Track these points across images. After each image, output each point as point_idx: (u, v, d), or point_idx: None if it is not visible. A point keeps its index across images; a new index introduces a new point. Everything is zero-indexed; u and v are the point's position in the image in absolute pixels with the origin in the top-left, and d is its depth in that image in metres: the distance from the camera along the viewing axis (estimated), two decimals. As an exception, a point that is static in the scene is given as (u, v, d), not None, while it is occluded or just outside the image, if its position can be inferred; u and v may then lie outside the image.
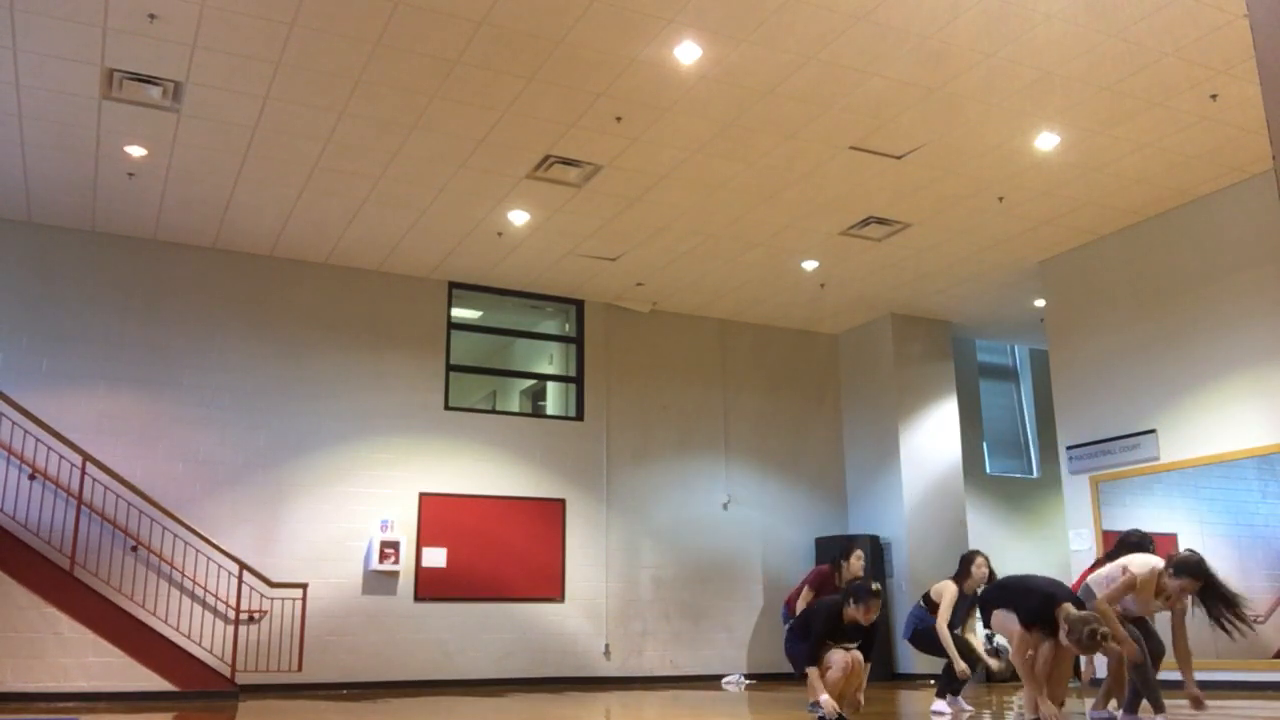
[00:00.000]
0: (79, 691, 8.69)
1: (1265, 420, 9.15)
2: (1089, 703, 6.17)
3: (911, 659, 12.11)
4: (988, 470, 14.50)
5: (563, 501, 12.00)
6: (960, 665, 7.39)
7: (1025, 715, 5.34)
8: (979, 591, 7.20)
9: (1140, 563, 5.89)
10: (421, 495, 11.27)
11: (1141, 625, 6.07)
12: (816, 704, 6.53)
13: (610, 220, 10.29)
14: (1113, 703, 6.27)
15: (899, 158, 9.03)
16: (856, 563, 8.91)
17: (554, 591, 11.67)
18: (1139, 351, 10.33)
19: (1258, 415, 9.22)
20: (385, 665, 10.66)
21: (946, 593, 7.56)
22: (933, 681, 7.84)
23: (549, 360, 13.13)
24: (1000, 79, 7.78)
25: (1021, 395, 15.24)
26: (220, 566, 10.11)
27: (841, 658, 6.28)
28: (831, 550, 10.48)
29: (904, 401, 13.10)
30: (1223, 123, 8.44)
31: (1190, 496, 9.74)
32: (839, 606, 6.36)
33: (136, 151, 8.75)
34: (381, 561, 10.77)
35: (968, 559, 7.78)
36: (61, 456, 9.61)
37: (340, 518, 10.84)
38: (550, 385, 13.07)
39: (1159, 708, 5.82)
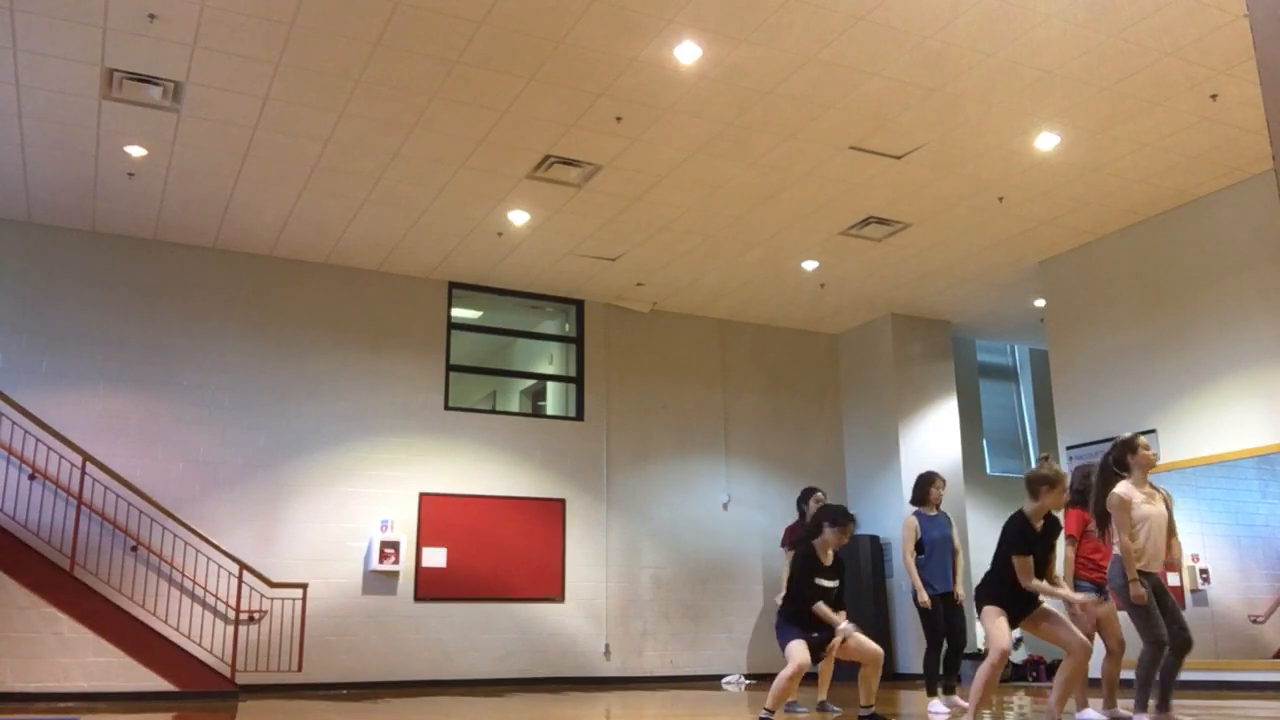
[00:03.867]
0: (79, 691, 8.69)
1: (1265, 420, 9.15)
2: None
3: (912, 659, 12.11)
4: (988, 470, 14.50)
5: (563, 501, 12.00)
6: (923, 595, 7.38)
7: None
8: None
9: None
10: (421, 495, 11.27)
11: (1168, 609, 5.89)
12: (794, 703, 6.66)
13: (610, 220, 10.29)
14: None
15: (899, 158, 9.03)
16: (816, 506, 8.14)
17: (554, 591, 11.67)
18: (1139, 351, 10.33)
19: (1258, 415, 9.22)
20: (385, 665, 10.65)
21: (906, 526, 7.63)
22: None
23: (549, 360, 13.12)
24: (1000, 79, 7.78)
25: (1021, 395, 15.24)
26: (220, 566, 10.11)
27: (799, 652, 5.62)
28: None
29: (904, 401, 13.10)
30: (1223, 123, 8.44)
31: (1190, 496, 9.74)
32: (810, 544, 5.98)
33: (136, 151, 8.75)
34: (381, 561, 10.76)
35: (925, 480, 7.70)
36: (61, 456, 9.61)
37: (340, 518, 10.84)
38: (550, 385, 13.07)
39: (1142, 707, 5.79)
